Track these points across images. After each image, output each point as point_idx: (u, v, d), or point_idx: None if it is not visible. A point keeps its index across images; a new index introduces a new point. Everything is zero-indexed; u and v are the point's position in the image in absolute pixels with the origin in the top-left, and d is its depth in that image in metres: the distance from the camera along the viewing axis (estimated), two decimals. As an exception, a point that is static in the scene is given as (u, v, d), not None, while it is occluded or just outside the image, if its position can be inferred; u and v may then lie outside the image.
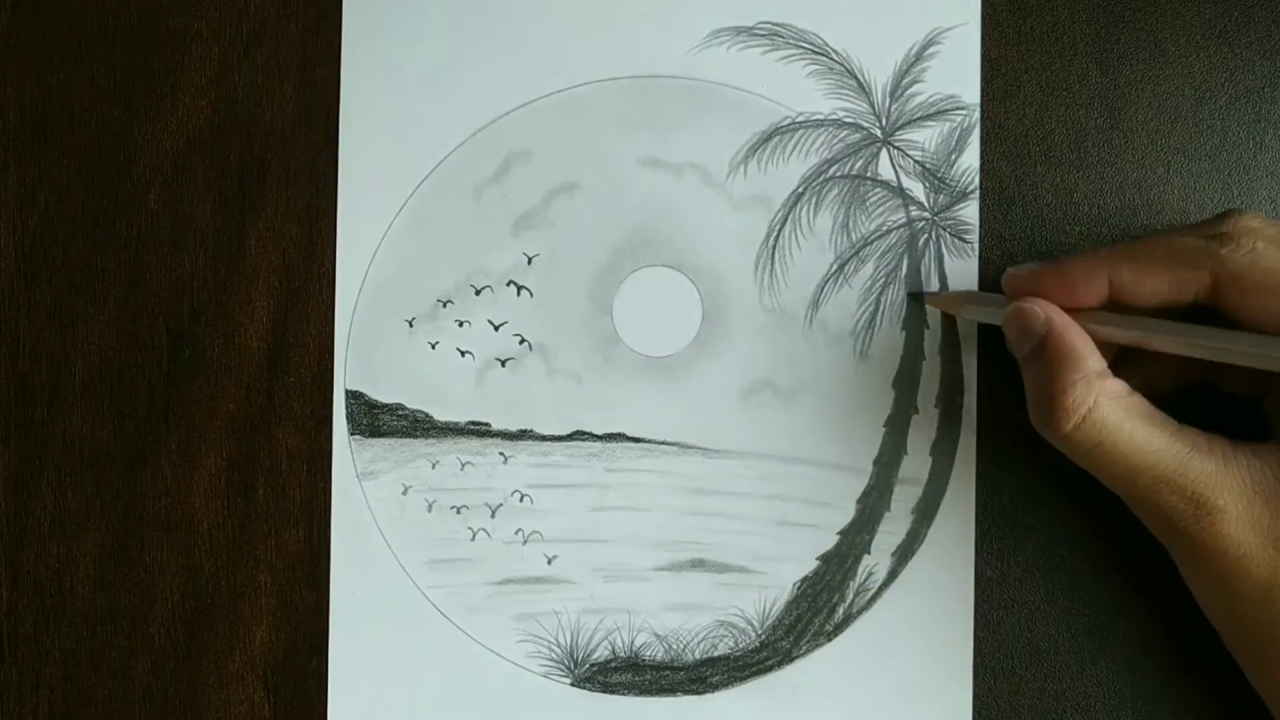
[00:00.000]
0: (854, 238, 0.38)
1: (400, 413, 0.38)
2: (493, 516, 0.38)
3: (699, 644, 0.38)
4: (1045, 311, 0.33)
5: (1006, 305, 0.34)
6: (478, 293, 0.38)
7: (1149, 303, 0.33)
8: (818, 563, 0.38)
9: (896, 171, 0.38)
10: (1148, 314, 0.33)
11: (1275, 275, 0.32)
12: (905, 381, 0.38)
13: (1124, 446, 0.32)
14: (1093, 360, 0.32)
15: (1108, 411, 0.32)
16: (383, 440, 0.38)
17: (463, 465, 0.38)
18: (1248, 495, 0.31)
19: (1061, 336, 0.33)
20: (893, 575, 0.38)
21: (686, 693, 0.38)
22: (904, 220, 0.38)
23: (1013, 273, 0.35)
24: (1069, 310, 0.33)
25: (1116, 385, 0.32)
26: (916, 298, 0.38)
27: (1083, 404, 0.32)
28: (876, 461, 0.38)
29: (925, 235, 0.38)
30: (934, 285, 0.38)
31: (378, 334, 0.38)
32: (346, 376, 0.38)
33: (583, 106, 0.38)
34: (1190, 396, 0.35)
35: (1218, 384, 0.35)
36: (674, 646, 0.38)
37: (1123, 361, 0.34)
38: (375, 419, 0.38)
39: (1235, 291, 0.32)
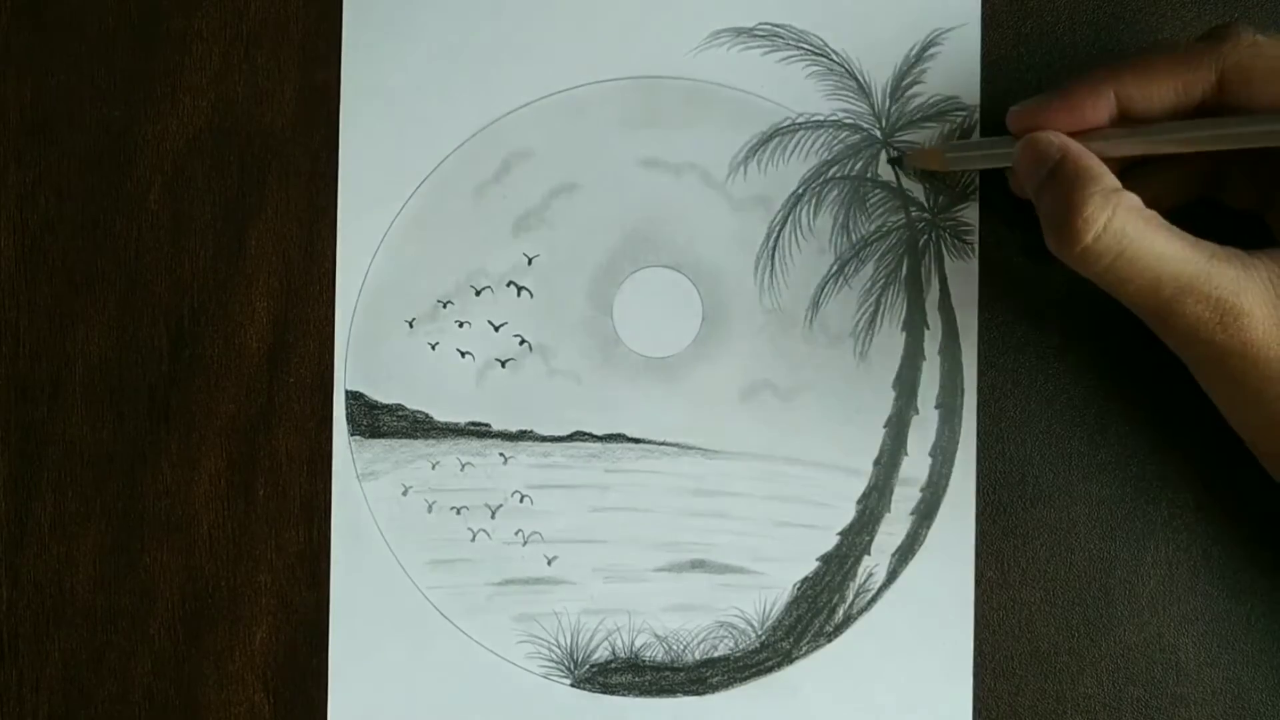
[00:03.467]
0: (854, 238, 0.38)
1: (400, 413, 0.38)
2: (493, 517, 0.38)
3: (699, 645, 0.38)
4: (1059, 139, 0.33)
5: (997, 145, 0.35)
6: (478, 293, 0.38)
7: (1156, 111, 0.33)
8: (818, 563, 0.38)
9: (897, 172, 0.38)
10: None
11: (1278, 60, 0.32)
12: (905, 382, 0.38)
13: (1146, 256, 0.31)
14: (1108, 177, 0.32)
15: (1127, 221, 0.31)
16: (383, 441, 0.38)
17: (463, 466, 0.38)
18: (1270, 299, 0.31)
19: (1076, 157, 0.32)
20: (893, 576, 0.38)
21: (686, 693, 0.38)
22: (904, 221, 0.38)
23: (1017, 108, 0.35)
24: (1078, 134, 0.33)
25: (1133, 198, 0.32)
26: (896, 162, 0.38)
27: (1101, 213, 0.31)
28: (876, 462, 0.38)
29: (925, 236, 0.38)
30: (934, 287, 0.38)
31: (378, 335, 0.38)
32: (347, 377, 0.38)
33: (583, 107, 0.38)
34: (1193, 217, 0.34)
35: (1222, 198, 0.35)
36: (674, 647, 0.38)
37: (1126, 180, 0.34)
38: (375, 419, 0.38)
39: (1240, 82, 0.32)
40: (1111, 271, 0.32)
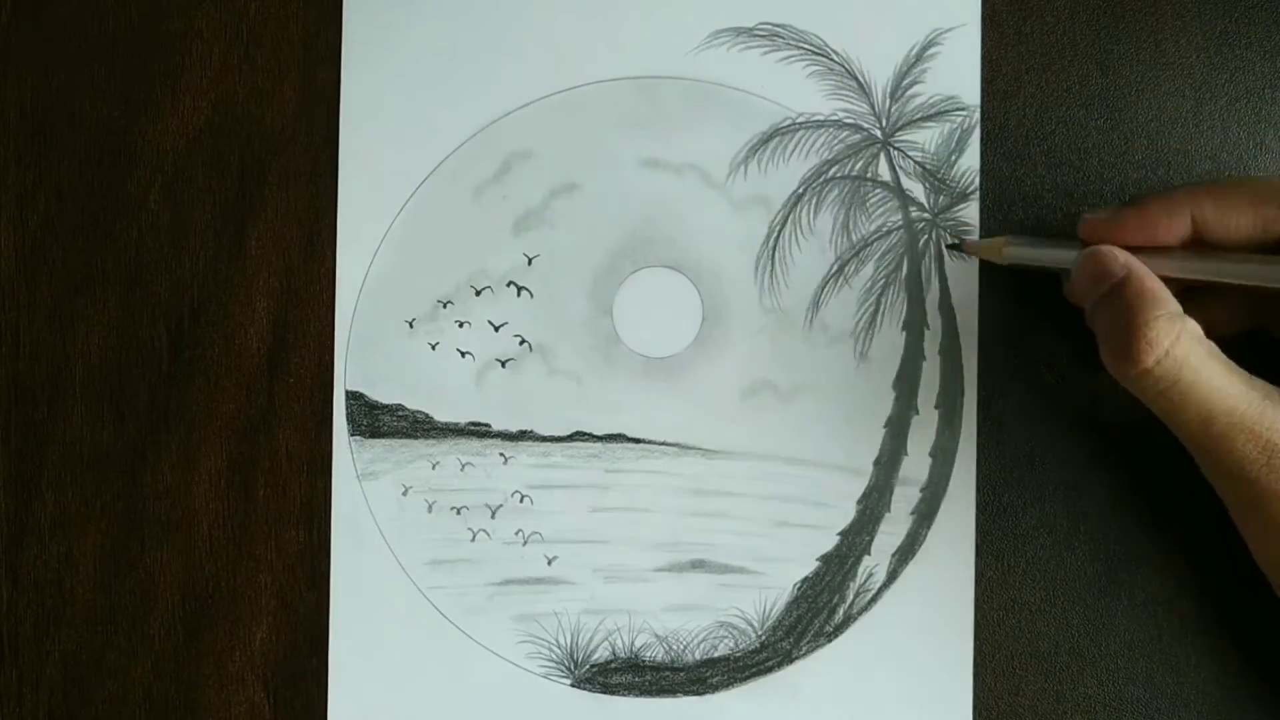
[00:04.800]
0: (854, 238, 0.38)
1: (400, 413, 0.38)
2: (493, 517, 0.38)
3: (699, 645, 0.38)
4: (1124, 256, 0.33)
5: (1061, 246, 0.34)
6: (478, 293, 0.38)
7: (1232, 240, 0.33)
8: (818, 563, 0.38)
9: (896, 172, 0.38)
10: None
11: None
12: (905, 382, 0.38)
13: (1204, 388, 0.31)
14: (1172, 302, 0.32)
15: (1189, 349, 0.31)
16: (383, 441, 0.38)
17: (463, 466, 0.38)
18: None
19: (1142, 278, 0.32)
20: (893, 576, 0.38)
21: (687, 693, 0.38)
22: (904, 221, 0.38)
23: (1090, 217, 0.35)
24: (1149, 250, 0.33)
25: (1196, 326, 0.32)
26: (955, 248, 0.37)
27: (1166, 338, 0.31)
28: (876, 462, 0.38)
29: (925, 236, 0.38)
30: (934, 287, 0.38)
31: (378, 335, 0.38)
32: (346, 377, 0.38)
33: (583, 107, 0.38)
34: (1244, 350, 0.34)
35: (1274, 332, 0.35)
36: (674, 647, 0.38)
37: (1184, 303, 0.34)
38: (375, 420, 0.38)
39: None
40: (1166, 398, 0.31)
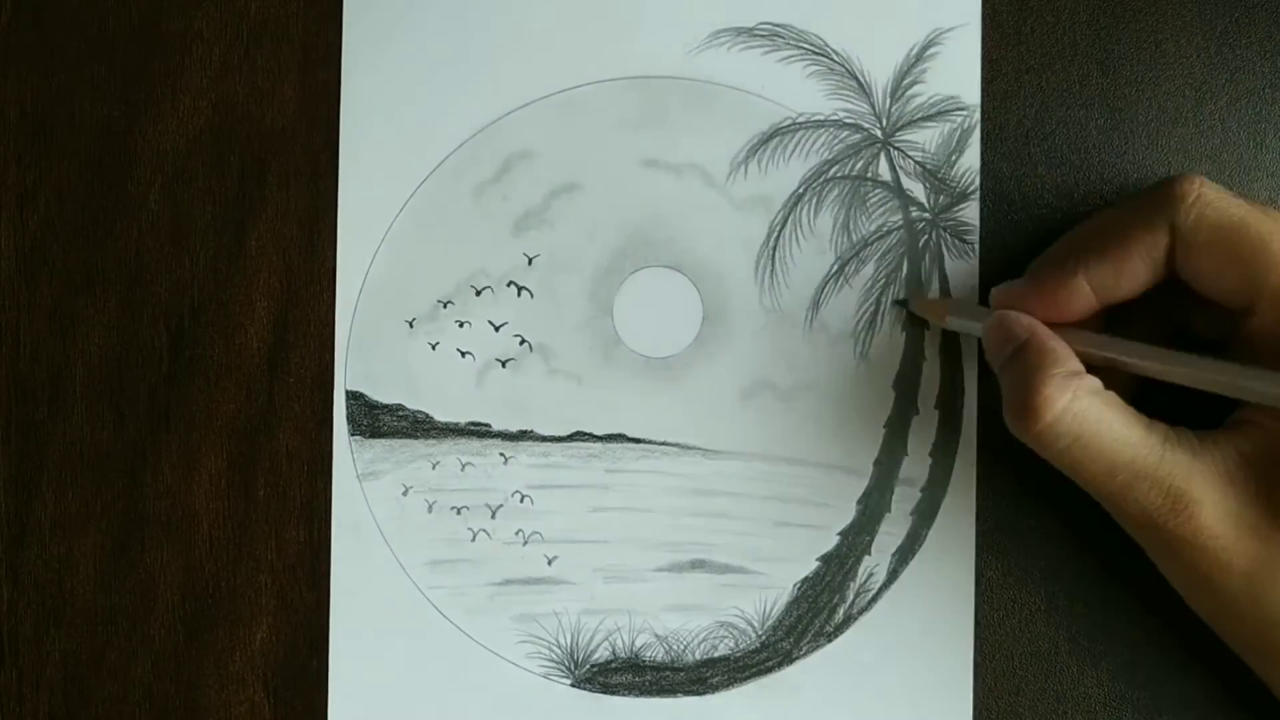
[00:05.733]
0: (854, 238, 0.38)
1: (400, 413, 0.38)
2: (493, 517, 0.38)
3: (699, 645, 0.38)
4: (1027, 320, 0.34)
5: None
6: (478, 293, 0.38)
7: (1132, 289, 0.33)
8: (818, 563, 0.38)
9: (897, 172, 0.38)
10: (1134, 315, 0.34)
11: (1217, 230, 0.32)
12: (905, 383, 0.38)
13: (1102, 440, 0.32)
14: (1071, 361, 0.32)
15: (1086, 405, 0.32)
16: (383, 441, 0.38)
17: (463, 466, 0.38)
18: (1221, 485, 0.31)
19: (1042, 339, 0.33)
20: (893, 576, 0.38)
21: (687, 694, 0.38)
22: (904, 221, 0.38)
23: (999, 291, 0.35)
24: (1060, 326, 0.34)
25: (1093, 381, 0.32)
26: (902, 304, 0.38)
27: (1060, 396, 0.31)
28: (877, 463, 0.38)
29: (926, 236, 0.38)
30: (934, 286, 0.38)
31: (378, 334, 0.38)
32: (347, 377, 0.38)
33: (583, 107, 0.38)
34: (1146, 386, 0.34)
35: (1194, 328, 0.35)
36: (674, 647, 0.38)
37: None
38: (375, 419, 0.38)
39: (1184, 255, 0.32)
40: (1068, 454, 0.32)
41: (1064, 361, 0.32)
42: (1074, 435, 0.32)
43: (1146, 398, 0.34)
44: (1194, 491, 0.31)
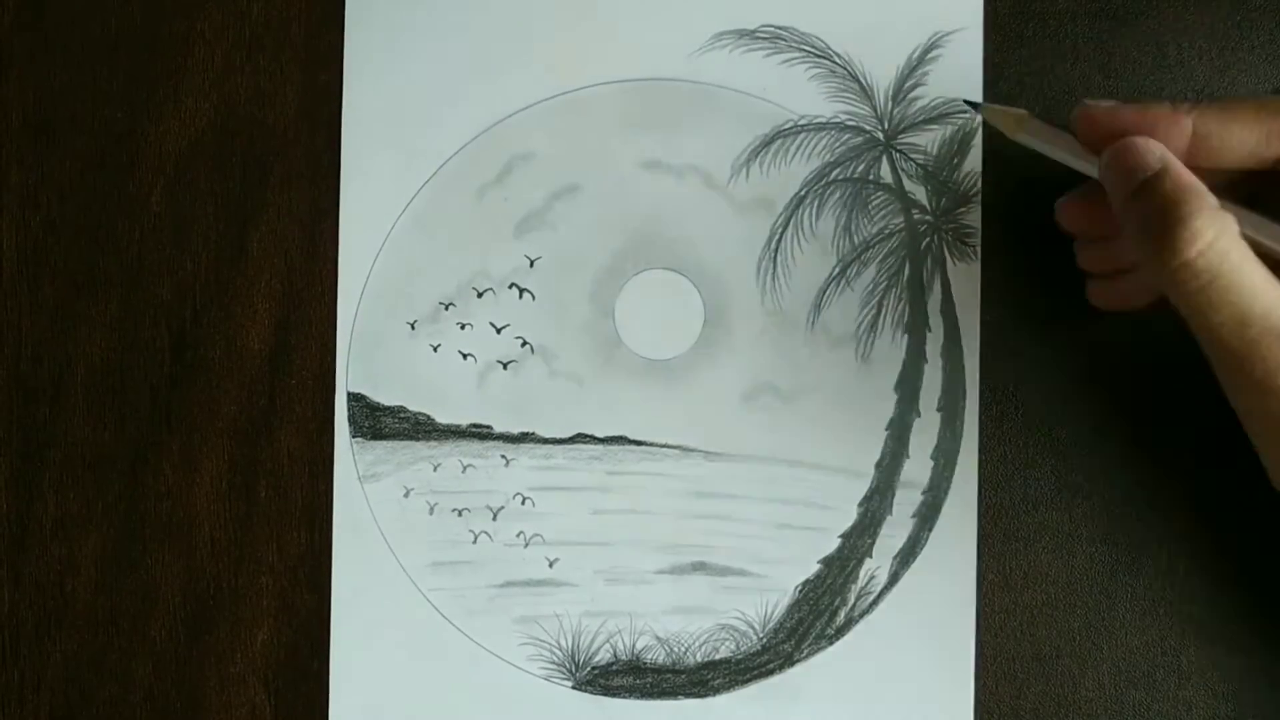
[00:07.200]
0: (856, 241, 0.38)
1: (402, 415, 0.38)
2: (494, 519, 0.38)
3: (700, 647, 0.38)
4: (1159, 148, 0.32)
5: (1074, 140, 0.33)
6: (479, 295, 0.38)
7: (1232, 153, 0.32)
8: (819, 566, 0.38)
9: (899, 175, 0.38)
10: (1226, 177, 0.32)
11: None
12: (907, 385, 0.38)
13: (1242, 286, 0.30)
14: (1213, 197, 0.31)
15: (1229, 245, 0.30)
16: (384, 443, 0.38)
17: (464, 468, 0.38)
18: None
19: (1181, 171, 0.31)
20: (894, 579, 0.38)
21: (688, 696, 0.38)
22: (906, 224, 0.38)
23: (1088, 106, 0.33)
24: None
25: (1236, 225, 0.31)
26: (974, 106, 0.36)
27: (1209, 230, 0.30)
28: (878, 465, 0.38)
29: (927, 239, 0.38)
30: (936, 290, 0.38)
31: (379, 336, 0.38)
32: (348, 379, 0.38)
33: (585, 109, 0.38)
34: None
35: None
36: (675, 649, 0.38)
37: None
38: (377, 421, 0.38)
39: None
40: (1203, 295, 0.30)
41: (1208, 196, 0.30)
42: (1214, 274, 0.30)
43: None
44: None
